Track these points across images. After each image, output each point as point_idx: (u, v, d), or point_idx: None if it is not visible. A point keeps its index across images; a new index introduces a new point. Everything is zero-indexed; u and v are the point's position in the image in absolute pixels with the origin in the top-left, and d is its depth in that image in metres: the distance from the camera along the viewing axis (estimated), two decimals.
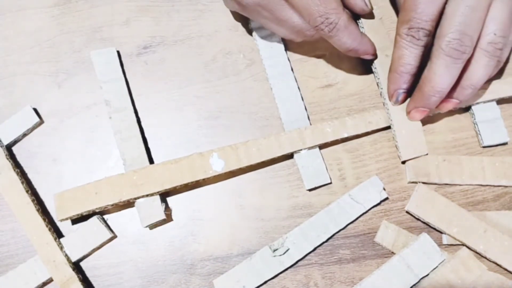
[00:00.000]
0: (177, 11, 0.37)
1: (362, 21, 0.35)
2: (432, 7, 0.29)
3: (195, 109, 0.36)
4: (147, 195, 0.32)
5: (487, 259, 0.33)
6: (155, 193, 0.33)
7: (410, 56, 0.31)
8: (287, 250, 0.32)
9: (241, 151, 0.33)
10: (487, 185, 0.34)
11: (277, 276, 0.33)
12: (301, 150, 0.34)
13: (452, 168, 0.34)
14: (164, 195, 0.34)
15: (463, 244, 0.33)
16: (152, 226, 0.34)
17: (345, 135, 0.34)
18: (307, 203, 0.34)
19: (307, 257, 0.33)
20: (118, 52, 0.36)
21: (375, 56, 0.34)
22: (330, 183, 0.34)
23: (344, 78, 0.36)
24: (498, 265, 0.32)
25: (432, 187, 0.34)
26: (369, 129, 0.34)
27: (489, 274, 0.32)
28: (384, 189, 0.34)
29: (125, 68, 0.36)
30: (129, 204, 0.33)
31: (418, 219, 0.34)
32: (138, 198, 0.32)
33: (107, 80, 0.35)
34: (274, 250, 0.32)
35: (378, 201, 0.34)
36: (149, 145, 0.35)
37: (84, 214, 0.33)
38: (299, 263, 0.33)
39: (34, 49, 0.37)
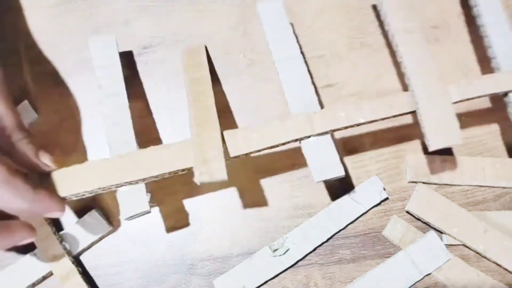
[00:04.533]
0: (177, 11, 0.37)
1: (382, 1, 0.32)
2: None
3: None
4: (130, 183, 0.29)
5: (487, 259, 0.33)
6: (140, 180, 0.29)
7: None
8: (287, 250, 0.32)
9: (239, 137, 0.29)
10: (487, 185, 0.34)
11: (277, 276, 0.33)
12: (309, 136, 0.30)
13: (453, 168, 0.34)
14: (151, 187, 0.32)
15: (463, 244, 0.33)
16: (133, 218, 0.30)
17: (361, 121, 0.30)
18: (307, 203, 0.34)
19: (307, 257, 0.33)
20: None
21: (63, 211, 0.28)
22: (344, 175, 0.30)
23: (344, 78, 0.36)
24: (498, 265, 0.32)
25: (432, 187, 0.34)
26: (390, 114, 0.30)
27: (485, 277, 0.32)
28: (384, 189, 0.34)
29: (125, 68, 0.36)
30: None
31: (418, 219, 0.34)
32: (121, 185, 0.29)
33: (102, 65, 0.33)
34: (274, 250, 0.32)
35: (378, 201, 0.34)
36: (149, 145, 0.35)
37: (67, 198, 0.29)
38: (299, 263, 0.33)
39: (34, 49, 0.37)
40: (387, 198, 0.34)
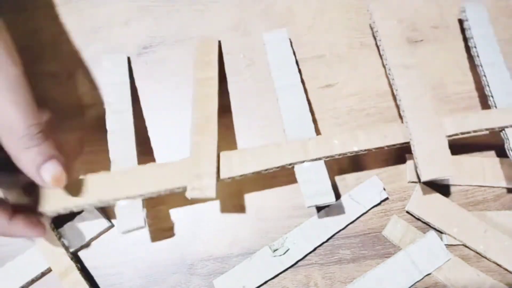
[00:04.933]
0: (177, 11, 0.38)
1: (380, 34, 0.33)
2: None
3: None
4: (127, 198, 0.30)
5: (487, 259, 0.33)
6: (137, 196, 0.30)
7: None
8: (287, 250, 0.32)
9: (235, 160, 0.30)
10: (487, 186, 0.34)
11: (277, 276, 0.33)
12: (303, 161, 0.31)
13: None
14: (147, 203, 0.33)
15: (463, 244, 0.33)
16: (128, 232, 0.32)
17: (355, 149, 0.30)
18: None
19: (307, 257, 0.33)
20: (128, 58, 0.36)
21: (42, 235, 0.29)
22: (335, 201, 0.32)
23: (344, 78, 0.36)
24: (498, 265, 0.32)
25: (432, 187, 0.34)
26: (384, 144, 0.31)
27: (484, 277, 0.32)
28: (384, 189, 0.34)
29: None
30: None
31: (418, 219, 0.34)
32: (119, 199, 0.30)
33: (112, 83, 0.34)
34: (274, 250, 0.32)
35: (378, 201, 0.34)
36: (150, 145, 0.35)
37: (61, 212, 0.30)
38: (299, 263, 0.33)
39: (34, 49, 0.37)
40: (387, 198, 0.34)
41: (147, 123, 0.36)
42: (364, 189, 0.34)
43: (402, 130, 0.31)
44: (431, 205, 0.33)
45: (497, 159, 0.34)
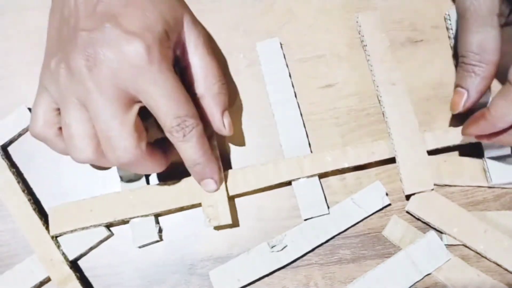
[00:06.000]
0: None
1: (368, 49, 0.35)
2: None
3: None
4: (141, 216, 0.32)
5: (487, 259, 0.33)
6: (150, 214, 0.32)
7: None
8: (285, 247, 0.32)
9: (239, 178, 0.33)
10: (487, 186, 0.34)
11: (273, 273, 0.33)
12: (299, 178, 0.33)
13: (453, 169, 0.34)
14: (158, 215, 0.34)
15: (463, 244, 0.33)
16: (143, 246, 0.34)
17: (346, 165, 0.33)
18: None
19: (307, 257, 0.33)
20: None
21: (219, 183, 0.32)
22: (328, 213, 0.33)
23: (344, 78, 0.36)
24: (498, 265, 0.32)
25: (432, 187, 0.34)
26: (371, 160, 0.33)
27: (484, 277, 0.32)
28: (386, 194, 0.34)
29: None
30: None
31: (418, 219, 0.34)
32: (133, 218, 0.32)
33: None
34: (272, 246, 0.32)
35: (380, 207, 0.33)
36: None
37: (78, 230, 0.32)
38: (299, 263, 0.33)
39: (34, 49, 0.37)
40: (389, 204, 0.34)
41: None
42: (366, 194, 0.34)
43: (388, 146, 0.33)
44: (431, 205, 0.33)
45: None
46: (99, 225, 0.32)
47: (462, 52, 0.30)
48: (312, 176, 0.33)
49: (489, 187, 0.34)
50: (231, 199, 0.34)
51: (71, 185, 0.35)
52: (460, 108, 0.30)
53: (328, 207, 0.33)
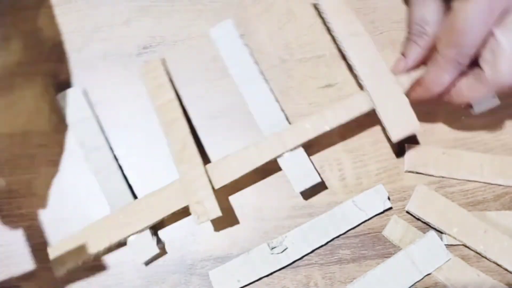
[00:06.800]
0: (177, 11, 0.38)
1: (323, 7, 0.33)
2: (483, 33, 0.28)
3: (195, 109, 0.36)
4: (135, 233, 0.32)
5: (487, 259, 0.33)
6: (143, 228, 0.32)
7: (447, 79, 0.30)
8: (285, 249, 0.32)
9: (223, 168, 0.32)
10: (487, 184, 0.34)
11: (272, 274, 0.33)
12: (283, 153, 0.32)
13: (451, 161, 0.34)
14: (155, 228, 0.34)
15: (463, 244, 0.33)
16: (150, 262, 0.33)
17: (327, 129, 0.32)
18: (307, 203, 0.34)
19: (307, 257, 0.33)
20: (84, 90, 0.36)
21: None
22: (321, 181, 0.32)
23: (344, 78, 0.36)
24: (498, 265, 0.32)
25: (432, 187, 0.34)
26: (351, 116, 0.32)
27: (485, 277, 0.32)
28: (388, 198, 0.34)
29: (125, 68, 0.36)
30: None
31: (418, 219, 0.34)
32: (129, 236, 0.32)
33: (77, 120, 0.34)
34: (272, 248, 0.32)
35: (382, 210, 0.33)
36: (150, 145, 0.35)
37: (81, 264, 0.31)
38: (299, 263, 0.33)
39: (34, 49, 0.37)
40: (390, 208, 0.34)
41: (147, 123, 0.36)
42: (368, 197, 0.33)
43: (364, 98, 0.32)
44: (431, 205, 0.33)
45: (496, 156, 0.34)
46: (98, 253, 0.31)
47: (408, 24, 0.32)
48: (295, 148, 0.32)
49: (490, 187, 0.34)
50: (226, 197, 0.34)
51: (72, 186, 0.35)
52: (397, 72, 0.32)
53: (321, 179, 0.33)
